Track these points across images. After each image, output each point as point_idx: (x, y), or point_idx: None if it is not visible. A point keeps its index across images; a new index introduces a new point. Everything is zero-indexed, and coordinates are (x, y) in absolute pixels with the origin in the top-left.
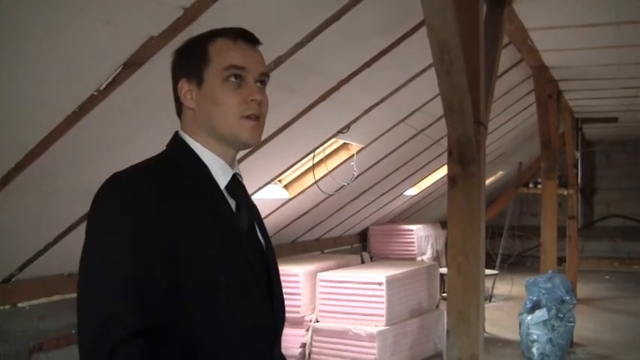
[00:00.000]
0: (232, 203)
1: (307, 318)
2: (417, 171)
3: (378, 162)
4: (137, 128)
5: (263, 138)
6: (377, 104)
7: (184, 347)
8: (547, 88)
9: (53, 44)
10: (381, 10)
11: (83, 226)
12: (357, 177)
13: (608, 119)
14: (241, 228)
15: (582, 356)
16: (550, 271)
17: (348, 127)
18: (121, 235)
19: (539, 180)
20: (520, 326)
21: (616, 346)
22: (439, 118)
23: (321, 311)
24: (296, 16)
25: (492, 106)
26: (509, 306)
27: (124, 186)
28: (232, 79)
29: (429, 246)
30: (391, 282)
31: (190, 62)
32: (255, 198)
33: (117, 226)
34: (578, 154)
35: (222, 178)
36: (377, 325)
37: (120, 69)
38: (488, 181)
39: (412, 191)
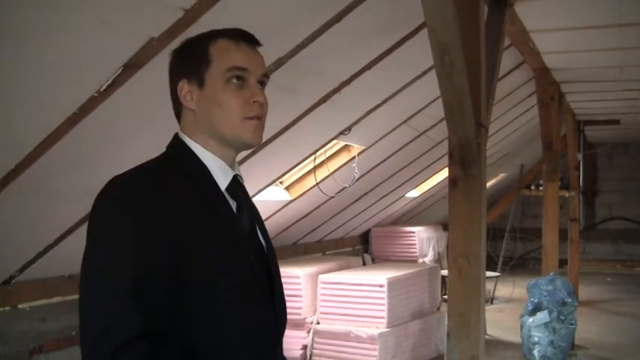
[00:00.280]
0: (233, 204)
1: (308, 320)
2: (419, 173)
3: (379, 164)
4: (137, 130)
5: (264, 140)
6: (378, 106)
7: (184, 347)
8: (549, 90)
9: (53, 44)
10: (382, 12)
11: (83, 228)
12: (359, 179)
13: (610, 121)
14: (242, 229)
15: (584, 359)
16: (552, 274)
17: (350, 129)
18: (122, 235)
19: (541, 182)
20: (521, 328)
21: (618, 348)
22: (441, 120)
23: (322, 313)
24: (297, 17)
25: (494, 108)
26: (510, 308)
27: (125, 187)
28: (234, 80)
29: (431, 248)
30: (393, 284)
31: (190, 63)
32: (257, 200)
33: (118, 226)
34: (580, 156)
35: (222, 180)
36: (378, 327)
37: (120, 70)
38: (490, 183)
39: (414, 193)
